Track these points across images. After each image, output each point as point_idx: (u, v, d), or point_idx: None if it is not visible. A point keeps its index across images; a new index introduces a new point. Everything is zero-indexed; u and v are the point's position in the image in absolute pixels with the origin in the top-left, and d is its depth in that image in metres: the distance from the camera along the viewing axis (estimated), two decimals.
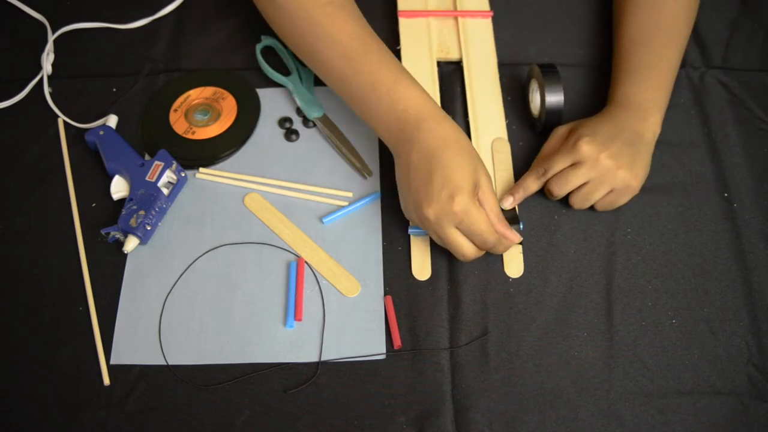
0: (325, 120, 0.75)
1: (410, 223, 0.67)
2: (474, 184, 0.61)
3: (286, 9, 0.68)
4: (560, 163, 0.67)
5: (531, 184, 0.68)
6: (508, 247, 0.64)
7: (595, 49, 0.81)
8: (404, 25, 0.82)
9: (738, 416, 0.60)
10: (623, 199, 0.68)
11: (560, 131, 0.70)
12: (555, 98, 0.70)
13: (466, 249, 0.62)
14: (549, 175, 0.68)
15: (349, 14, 0.68)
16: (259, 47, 0.80)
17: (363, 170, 0.73)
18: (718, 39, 0.82)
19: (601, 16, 0.83)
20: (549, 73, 0.71)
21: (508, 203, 0.68)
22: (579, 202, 0.68)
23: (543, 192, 0.71)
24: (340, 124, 0.76)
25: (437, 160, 0.61)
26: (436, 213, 0.60)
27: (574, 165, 0.66)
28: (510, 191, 0.69)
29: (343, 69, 0.66)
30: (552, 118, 0.71)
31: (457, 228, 0.61)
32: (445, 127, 0.62)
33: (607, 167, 0.65)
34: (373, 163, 0.73)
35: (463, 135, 0.63)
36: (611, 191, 0.67)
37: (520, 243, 0.67)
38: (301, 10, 0.67)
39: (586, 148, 0.65)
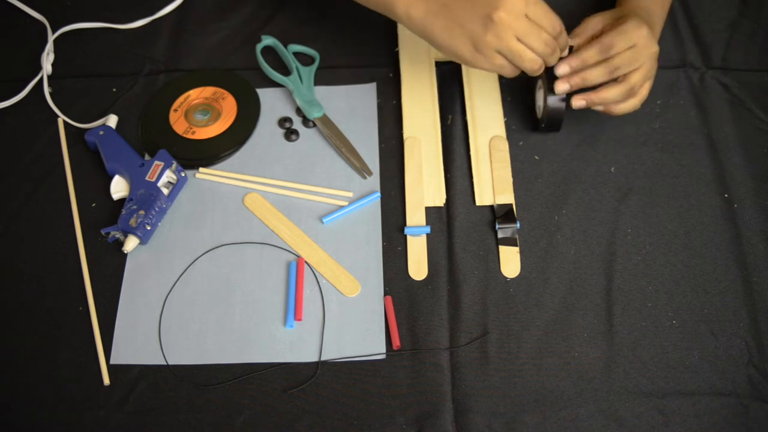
0: (325, 120, 0.75)
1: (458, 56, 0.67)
2: None
3: None
4: (623, 44, 0.66)
5: (592, 56, 0.67)
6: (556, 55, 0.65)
7: None
8: (402, 27, 0.81)
9: (738, 417, 0.60)
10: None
11: (596, 20, 0.70)
12: (557, 98, 0.70)
13: (530, 54, 0.64)
14: (613, 52, 0.66)
15: None
16: (259, 47, 0.80)
17: (363, 170, 0.73)
18: (718, 39, 0.82)
19: None
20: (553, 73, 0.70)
21: (563, 69, 0.68)
22: (624, 93, 0.68)
23: (541, 194, 0.71)
24: (340, 123, 0.75)
25: None
26: (502, 17, 0.61)
27: (633, 47, 0.66)
28: (566, 61, 0.68)
29: None
30: (554, 118, 0.71)
31: (518, 38, 0.62)
32: None
33: (653, 66, 0.67)
34: (373, 163, 0.73)
35: None
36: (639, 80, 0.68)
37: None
38: None
39: (645, 32, 0.66)
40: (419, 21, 0.66)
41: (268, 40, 0.81)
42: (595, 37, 0.68)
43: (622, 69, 0.66)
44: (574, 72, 0.68)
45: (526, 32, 0.63)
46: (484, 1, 0.62)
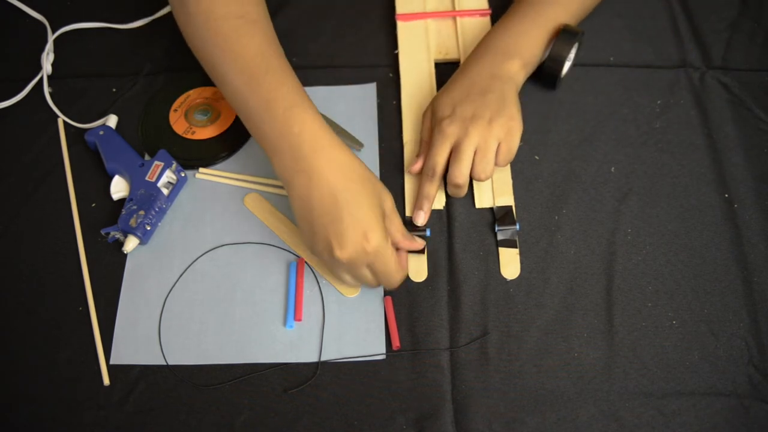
0: None
1: (308, 257, 0.67)
2: (382, 216, 0.60)
3: (196, 18, 0.65)
4: (442, 156, 0.66)
5: (430, 190, 0.68)
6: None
7: (593, 49, 0.81)
8: (402, 28, 0.81)
9: (738, 417, 0.60)
10: (515, 142, 0.67)
11: (426, 115, 0.71)
12: (557, 50, 0.72)
13: (371, 282, 0.62)
14: (439, 171, 0.67)
15: (259, 30, 0.64)
16: None
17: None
18: (718, 39, 0.82)
19: (600, 15, 0.83)
20: (567, 33, 0.72)
21: (421, 219, 0.68)
22: (482, 171, 0.66)
23: (541, 194, 0.71)
24: (340, 124, 0.75)
25: (342, 197, 0.58)
26: (351, 256, 0.58)
27: (454, 148, 0.66)
28: (416, 206, 0.68)
29: (241, 86, 0.63)
30: (552, 68, 0.73)
31: (368, 267, 0.60)
32: (342, 157, 0.60)
33: (481, 130, 0.65)
34: (373, 164, 0.73)
35: (360, 162, 0.61)
36: (499, 144, 0.66)
37: (423, 251, 0.67)
38: (210, 21, 0.64)
39: (451, 130, 0.66)
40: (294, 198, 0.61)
41: None
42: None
43: (463, 174, 0.66)
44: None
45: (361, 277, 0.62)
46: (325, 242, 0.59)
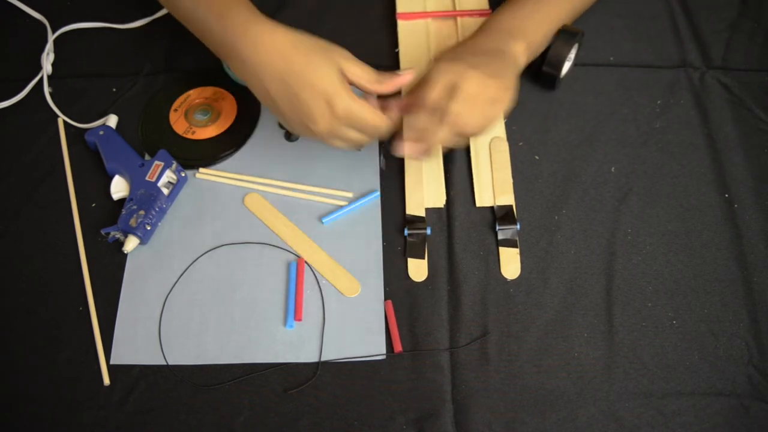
0: None
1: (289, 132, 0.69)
2: (338, 74, 0.61)
3: None
4: (435, 90, 0.62)
5: (416, 121, 0.64)
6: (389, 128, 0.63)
7: (593, 49, 0.81)
8: (403, 27, 0.82)
9: (738, 417, 0.60)
10: (499, 110, 0.65)
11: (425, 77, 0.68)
12: (556, 51, 0.73)
13: (362, 139, 0.64)
14: (429, 104, 0.62)
15: None
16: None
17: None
18: (718, 39, 0.82)
19: (600, 15, 0.83)
20: (566, 33, 0.72)
21: (407, 149, 0.64)
22: (468, 117, 0.63)
23: (541, 194, 0.71)
24: None
25: (291, 78, 0.60)
26: (326, 127, 0.61)
27: (452, 90, 0.62)
28: (403, 137, 0.65)
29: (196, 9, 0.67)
30: (551, 68, 0.73)
31: (348, 127, 0.62)
32: (280, 37, 0.61)
33: (479, 79, 0.62)
34: (374, 164, 0.73)
35: (301, 35, 0.62)
36: (490, 101, 0.63)
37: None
38: None
39: (450, 68, 0.62)
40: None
41: None
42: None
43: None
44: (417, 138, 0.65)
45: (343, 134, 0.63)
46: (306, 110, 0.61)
